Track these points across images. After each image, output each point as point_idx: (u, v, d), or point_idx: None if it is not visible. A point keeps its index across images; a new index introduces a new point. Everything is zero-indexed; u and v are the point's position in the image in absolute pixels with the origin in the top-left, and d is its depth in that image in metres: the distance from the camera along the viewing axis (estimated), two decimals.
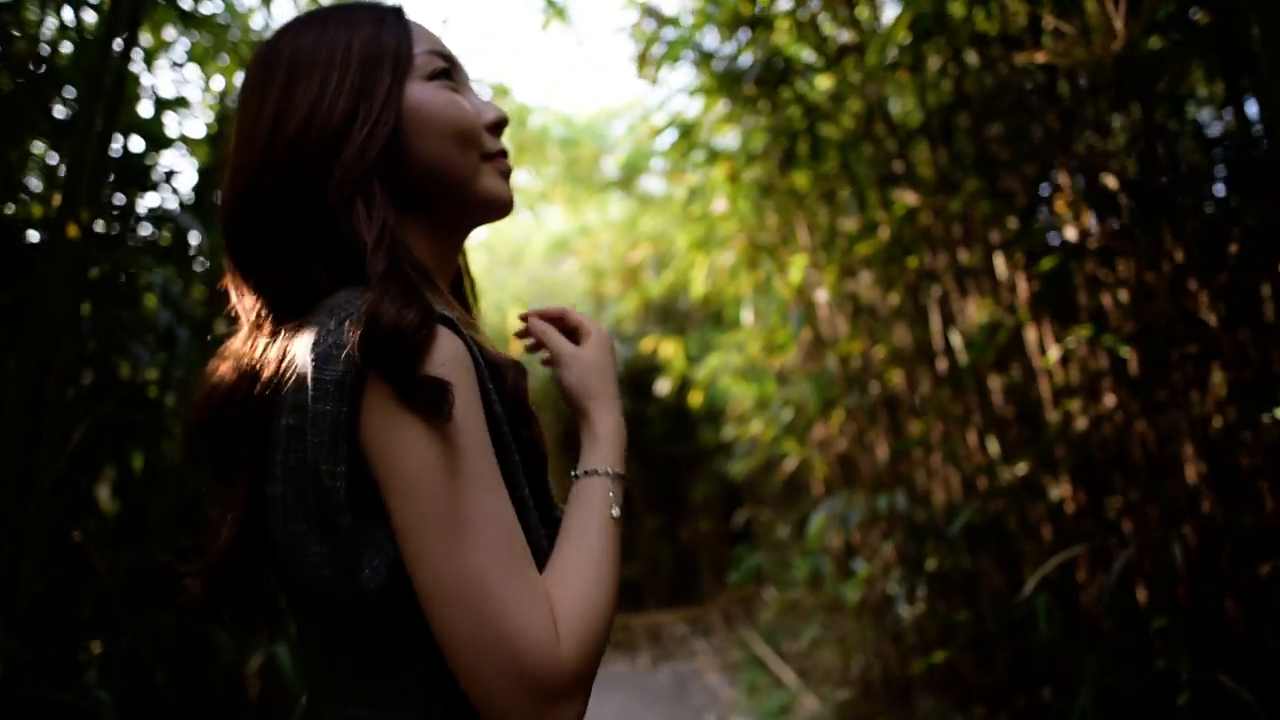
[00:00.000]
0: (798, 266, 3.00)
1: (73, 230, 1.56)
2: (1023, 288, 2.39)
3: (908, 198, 2.61)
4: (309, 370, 0.59)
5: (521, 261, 7.51)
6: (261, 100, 0.67)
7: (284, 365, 0.63)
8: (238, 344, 0.70)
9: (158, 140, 2.42)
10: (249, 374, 0.66)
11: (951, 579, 2.68)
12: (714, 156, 3.28)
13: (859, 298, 3.12)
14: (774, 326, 3.51)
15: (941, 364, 2.79)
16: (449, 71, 0.72)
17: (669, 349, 5.08)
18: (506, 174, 0.74)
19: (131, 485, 2.24)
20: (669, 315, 6.76)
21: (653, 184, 6.20)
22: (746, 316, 3.96)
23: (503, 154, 0.74)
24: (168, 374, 2.33)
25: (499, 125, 0.73)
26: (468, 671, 0.57)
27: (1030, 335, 2.48)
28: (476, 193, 0.72)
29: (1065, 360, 2.41)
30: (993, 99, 2.43)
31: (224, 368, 0.69)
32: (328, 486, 0.59)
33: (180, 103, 2.53)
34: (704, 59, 3.12)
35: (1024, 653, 2.41)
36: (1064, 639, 2.19)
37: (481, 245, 7.55)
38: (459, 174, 0.70)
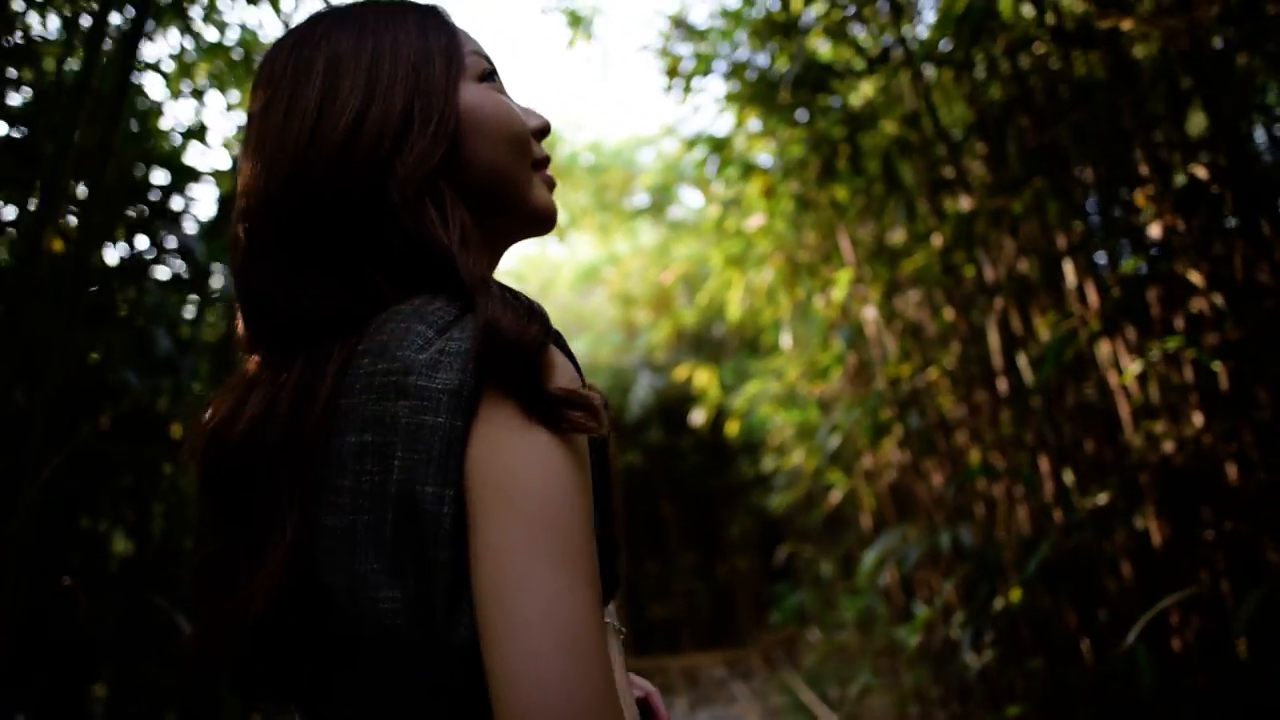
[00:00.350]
0: (841, 284, 2.80)
1: (57, 244, 1.43)
2: (1094, 297, 2.17)
3: (962, 203, 2.41)
4: (412, 378, 0.52)
5: (551, 291, 7.41)
6: (294, 97, 0.60)
7: (355, 377, 0.54)
8: (258, 369, 0.61)
9: (183, 173, 2.36)
10: (292, 395, 0.56)
11: (1022, 622, 2.41)
12: (748, 171, 3.11)
13: (908, 315, 2.91)
14: (816, 350, 3.30)
15: (1002, 384, 2.55)
16: (494, 74, 0.67)
17: (703, 377, 4.89)
18: (551, 185, 0.70)
19: (127, 522, 2.10)
20: (703, 344, 6.58)
21: (683, 211, 6.06)
22: (785, 340, 3.75)
23: (547, 161, 0.69)
24: (175, 402, 2.21)
25: (544, 132, 0.69)
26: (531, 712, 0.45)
27: (1104, 349, 2.24)
28: (528, 202, 0.66)
29: (1143, 377, 2.18)
30: (1054, 93, 2.23)
31: (249, 394, 0.59)
32: (429, 512, 0.50)
33: (200, 132, 2.46)
34: (737, 69, 2.98)
35: (1112, 708, 2.13)
36: (1158, 692, 1.92)
37: (511, 275, 7.47)
38: (514, 181, 0.65)
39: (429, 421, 0.51)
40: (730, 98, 2.97)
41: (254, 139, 0.61)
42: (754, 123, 3.04)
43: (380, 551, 0.51)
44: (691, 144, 3.33)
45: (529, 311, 0.54)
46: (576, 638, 0.47)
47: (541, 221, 0.68)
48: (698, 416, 4.74)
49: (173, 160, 2.40)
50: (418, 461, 0.51)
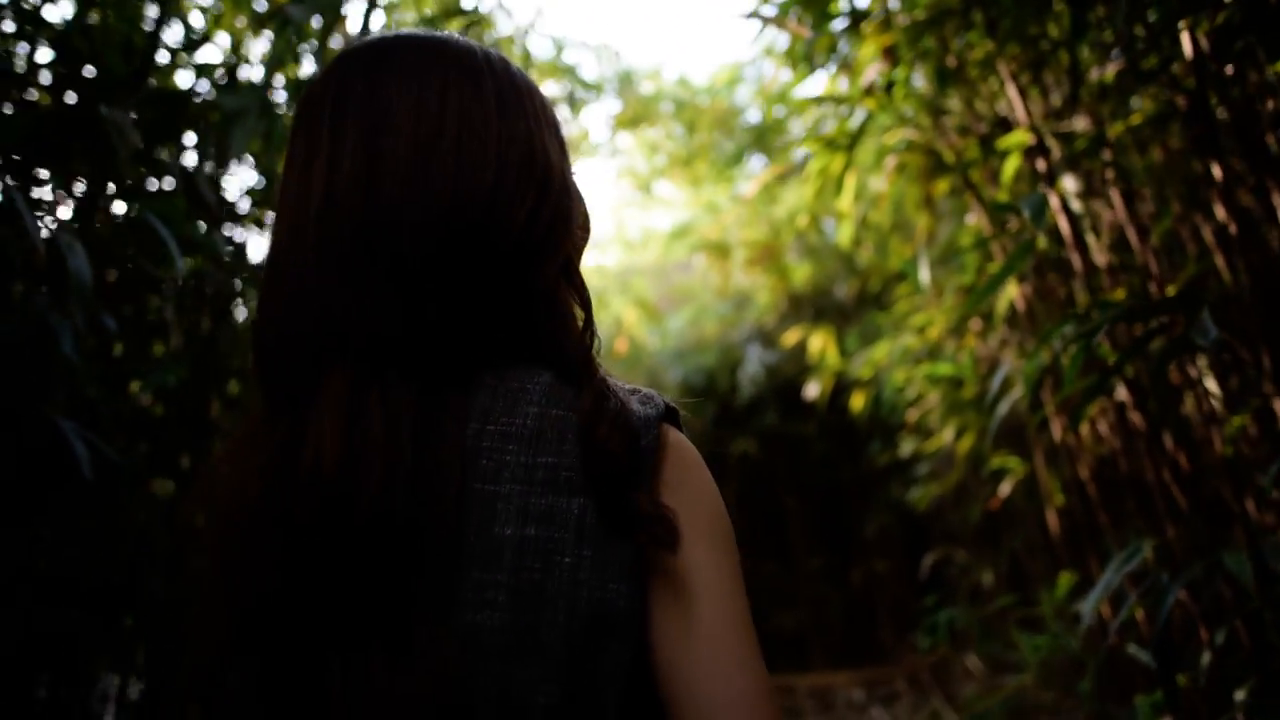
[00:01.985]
0: (1013, 156, 1.80)
1: None
2: None
3: None
4: (651, 432, 0.54)
5: (640, 259, 6.60)
6: (477, 101, 0.56)
7: (498, 463, 0.51)
8: (278, 406, 0.53)
9: None
10: (411, 458, 0.49)
11: None
12: (859, 19, 2.14)
13: (1125, 202, 1.84)
14: (967, 272, 2.27)
15: None
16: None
17: (818, 342, 3.90)
18: None
19: None
20: (823, 309, 5.54)
21: (788, 149, 5.05)
22: (924, 275, 2.74)
23: None
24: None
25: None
26: None
27: None
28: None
29: None
30: None
31: (288, 435, 0.51)
32: (621, 610, 0.50)
33: None
34: None
35: None
36: None
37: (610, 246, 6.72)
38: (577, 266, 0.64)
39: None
40: None
41: (399, 155, 0.53)
42: None
43: (543, 653, 0.48)
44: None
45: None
46: (769, 698, 0.51)
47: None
48: (813, 389, 3.75)
49: None
50: (601, 561, 0.50)
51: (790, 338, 4.08)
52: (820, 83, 2.56)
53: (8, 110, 1.40)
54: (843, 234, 2.81)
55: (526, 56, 2.95)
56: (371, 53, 0.57)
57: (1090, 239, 1.88)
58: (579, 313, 0.59)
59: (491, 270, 0.54)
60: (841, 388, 4.25)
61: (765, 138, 4.92)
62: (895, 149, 2.19)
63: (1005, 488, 2.41)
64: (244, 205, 2.21)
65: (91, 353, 1.59)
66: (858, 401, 3.47)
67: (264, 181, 1.95)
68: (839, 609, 7.00)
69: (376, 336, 0.51)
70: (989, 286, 1.52)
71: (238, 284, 1.85)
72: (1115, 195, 1.81)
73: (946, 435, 2.83)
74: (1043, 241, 1.54)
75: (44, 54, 1.61)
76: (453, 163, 0.53)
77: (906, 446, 3.72)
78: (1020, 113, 1.87)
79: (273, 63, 1.79)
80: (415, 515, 0.48)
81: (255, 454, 0.52)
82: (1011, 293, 2.07)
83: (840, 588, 7.07)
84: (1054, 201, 1.72)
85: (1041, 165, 1.80)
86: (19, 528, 1.58)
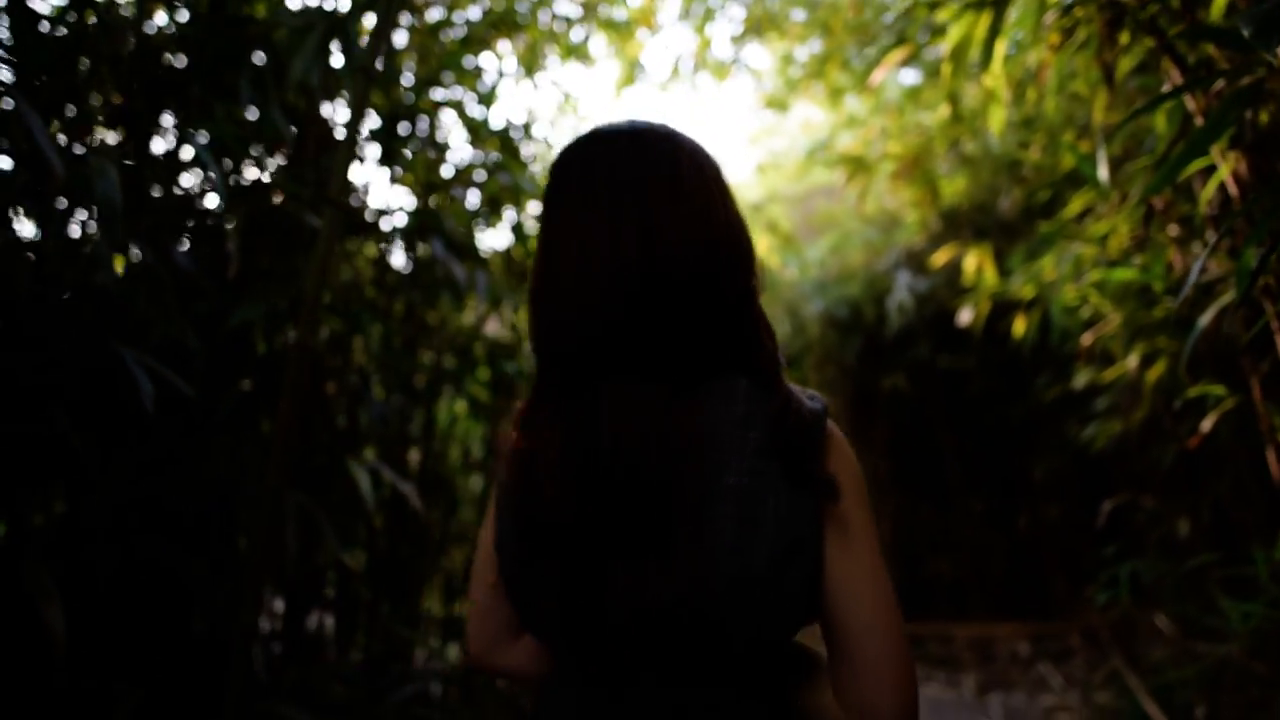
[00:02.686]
0: None
1: None
2: None
3: None
4: (819, 424, 0.75)
5: (777, 185, 6.18)
6: (709, 190, 0.77)
7: (723, 435, 0.73)
8: (555, 396, 0.76)
9: None
10: (662, 432, 0.72)
11: None
12: None
13: None
14: (1167, 169, 1.80)
15: None
16: None
17: (972, 261, 3.43)
18: None
19: None
20: (983, 229, 4.93)
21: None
22: (1102, 172, 2.25)
23: None
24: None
25: None
26: (884, 676, 0.70)
27: None
28: None
29: None
30: None
31: (568, 419, 0.74)
32: (807, 537, 0.72)
33: None
34: None
35: None
36: None
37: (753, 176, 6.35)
38: None
39: (829, 446, 0.76)
40: None
41: (677, 212, 0.75)
42: None
43: (757, 562, 0.70)
44: None
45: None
46: (898, 615, 0.73)
47: None
48: (967, 315, 3.30)
49: None
50: (791, 505, 0.72)
51: (941, 257, 3.62)
52: None
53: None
54: (993, 120, 2.35)
55: None
56: (624, 137, 0.78)
57: None
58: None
59: (721, 308, 0.76)
60: (1001, 313, 3.74)
61: (908, 32, 4.36)
62: (1060, 2, 1.75)
63: (1208, 422, 1.95)
64: (339, 134, 2.13)
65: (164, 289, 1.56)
66: (1020, 327, 3.00)
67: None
68: (1002, 557, 6.44)
69: (645, 353, 0.73)
70: (1188, 152, 1.13)
71: (313, 219, 1.76)
72: None
73: (1131, 362, 2.36)
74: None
75: None
76: (704, 229, 0.75)
77: (1080, 378, 3.21)
78: None
79: None
80: (673, 472, 0.71)
81: (549, 430, 0.73)
82: (1223, 173, 1.60)
83: (1004, 534, 6.49)
84: None
85: None
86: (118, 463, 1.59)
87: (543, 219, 0.79)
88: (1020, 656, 5.72)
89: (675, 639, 0.70)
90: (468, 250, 2.75)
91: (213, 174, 1.33)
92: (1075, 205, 2.50)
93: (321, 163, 1.87)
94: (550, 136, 3.42)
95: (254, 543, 1.27)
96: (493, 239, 3.88)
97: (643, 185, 0.75)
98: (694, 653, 0.71)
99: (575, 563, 0.71)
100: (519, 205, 3.03)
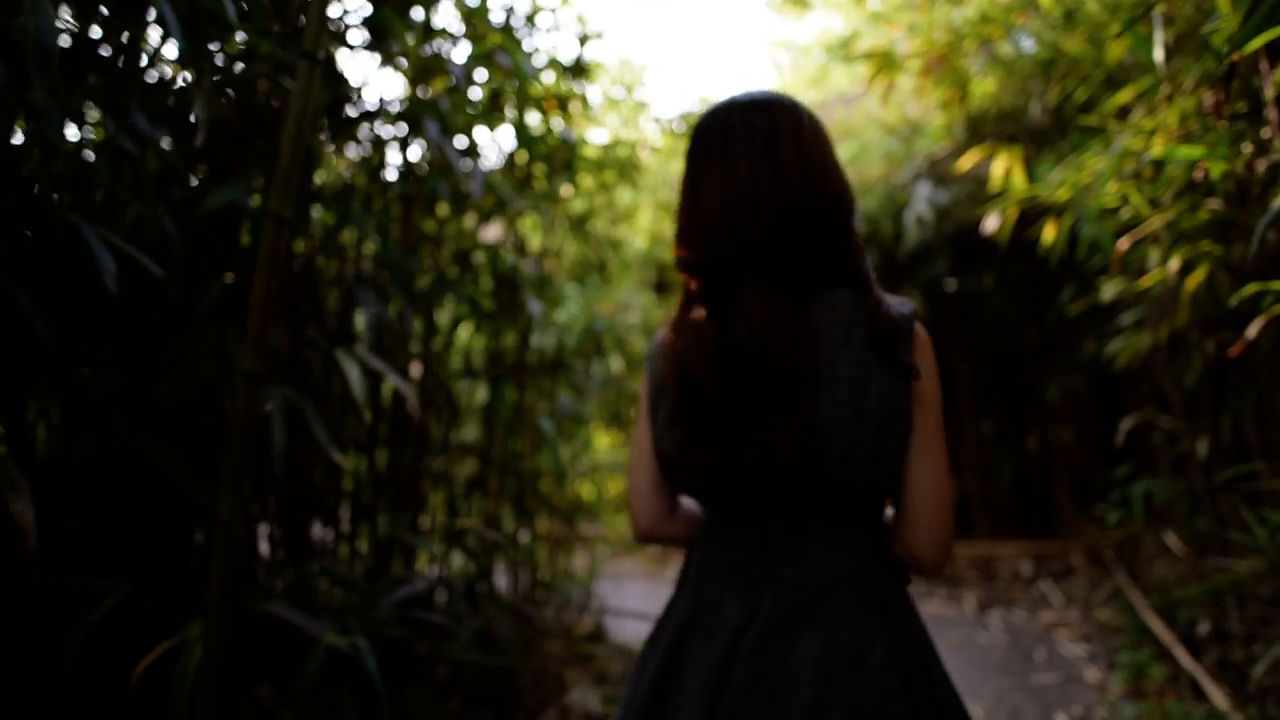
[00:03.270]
0: None
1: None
2: None
3: None
4: (908, 323, 0.97)
5: (794, 90, 5.87)
6: (823, 145, 0.99)
7: (834, 332, 0.96)
8: (700, 295, 0.99)
9: None
10: (788, 328, 0.93)
11: None
12: None
13: None
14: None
15: None
16: None
17: (1000, 165, 3.23)
18: None
19: None
20: (1010, 136, 4.68)
21: None
22: (1157, 54, 2.05)
23: None
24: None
25: None
26: (931, 528, 0.96)
27: None
28: None
29: None
30: None
31: (715, 319, 0.96)
32: (901, 408, 0.95)
33: None
34: None
35: None
36: None
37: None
38: None
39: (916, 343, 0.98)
40: None
41: (801, 164, 0.97)
42: None
43: (864, 428, 0.93)
44: None
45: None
46: (950, 481, 0.99)
47: None
48: (992, 222, 3.13)
49: None
50: (889, 384, 0.94)
51: (968, 161, 3.41)
52: None
53: None
54: None
55: None
56: (755, 103, 0.99)
57: None
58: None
59: (833, 235, 0.97)
60: (1027, 223, 3.56)
61: None
62: None
63: (1255, 327, 1.82)
64: None
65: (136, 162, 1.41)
66: (1050, 233, 2.83)
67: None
68: (1009, 478, 6.42)
69: (771, 269, 0.94)
70: (1265, 15, 0.96)
71: (289, 82, 1.59)
72: None
73: (1172, 266, 2.21)
74: None
75: None
76: (820, 174, 0.97)
77: (1109, 290, 3.06)
78: None
79: None
80: (793, 359, 0.92)
81: (700, 330, 0.96)
82: None
83: (1012, 455, 6.46)
84: None
85: None
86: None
87: (688, 165, 1.01)
88: (1022, 575, 5.76)
89: (797, 489, 0.95)
90: (467, 145, 2.57)
91: (173, 30, 1.17)
92: (1124, 95, 2.30)
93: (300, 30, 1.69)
94: (553, 31, 3.18)
95: (232, 434, 1.17)
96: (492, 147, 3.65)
97: (774, 139, 0.96)
98: (813, 502, 0.97)
99: (723, 427, 0.94)
100: (521, 105, 2.83)
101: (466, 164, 2.46)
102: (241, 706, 1.51)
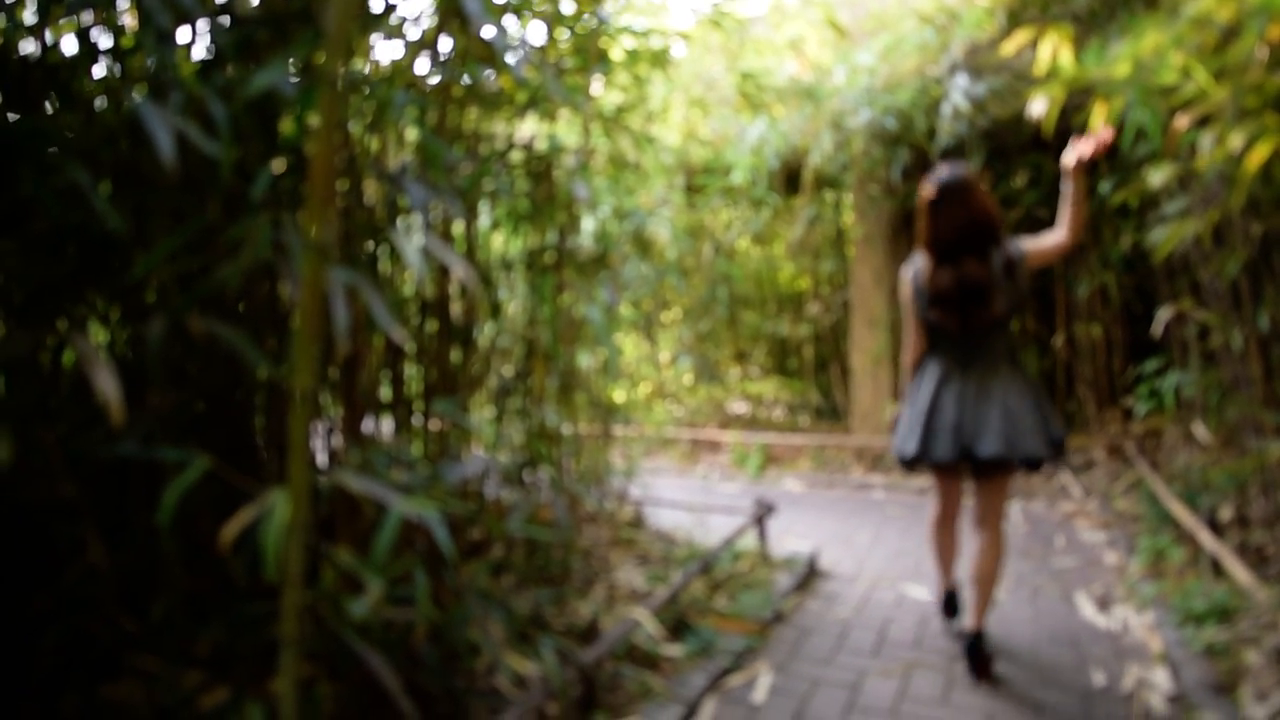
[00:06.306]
0: None
1: None
2: None
3: None
4: (1019, 254, 2.53)
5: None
6: (986, 195, 2.56)
7: (997, 267, 2.51)
8: (941, 259, 2.58)
9: None
10: (982, 272, 2.51)
11: None
12: None
13: None
14: None
15: None
16: None
17: (1046, 47, 3.10)
18: None
19: None
20: (1055, 20, 4.46)
21: None
22: None
23: None
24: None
25: None
26: (1063, 240, 2.51)
27: None
28: None
29: None
30: None
31: (954, 270, 2.55)
32: (1024, 275, 2.55)
33: None
34: None
35: None
36: None
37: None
38: None
39: (1025, 269, 2.55)
40: None
41: (978, 201, 2.56)
42: None
43: (1010, 291, 2.52)
44: None
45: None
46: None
47: None
48: (1039, 105, 3.03)
49: None
50: (1015, 284, 2.53)
51: (1012, 45, 3.27)
52: None
53: None
54: None
55: None
56: (957, 179, 2.56)
57: None
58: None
59: (992, 232, 2.52)
60: (1067, 114, 3.45)
61: None
62: None
63: None
64: None
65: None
66: (1099, 115, 2.74)
67: None
68: (1034, 375, 6.42)
69: (973, 249, 2.52)
70: None
71: None
72: None
73: (1235, 141, 2.15)
74: None
75: None
76: (987, 211, 2.53)
77: (1159, 175, 2.99)
78: None
79: None
80: (985, 284, 2.50)
81: (944, 275, 2.54)
82: None
83: (1038, 354, 6.46)
84: None
85: None
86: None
87: (933, 205, 2.55)
88: (1044, 468, 5.85)
89: (986, 331, 2.56)
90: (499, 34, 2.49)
91: None
92: None
93: None
94: None
95: (303, 307, 1.20)
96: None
97: (969, 194, 2.52)
98: (987, 335, 2.57)
99: (955, 307, 2.54)
100: None
101: (502, 45, 2.40)
102: (323, 568, 1.61)
